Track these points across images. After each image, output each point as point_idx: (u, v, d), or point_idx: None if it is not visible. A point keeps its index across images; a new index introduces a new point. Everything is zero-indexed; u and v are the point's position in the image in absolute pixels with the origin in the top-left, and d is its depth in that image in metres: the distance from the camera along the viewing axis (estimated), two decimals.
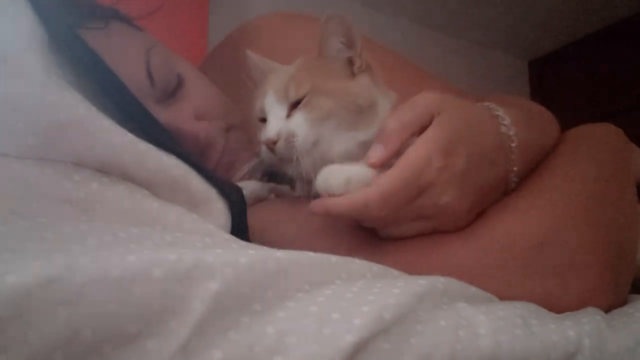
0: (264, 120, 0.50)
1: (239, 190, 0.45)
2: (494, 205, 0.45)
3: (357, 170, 0.42)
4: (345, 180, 0.41)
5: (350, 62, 0.50)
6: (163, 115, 0.55)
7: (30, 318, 0.22)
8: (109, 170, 0.37)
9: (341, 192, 0.40)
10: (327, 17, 0.48)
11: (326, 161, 0.45)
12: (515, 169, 0.45)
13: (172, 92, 0.57)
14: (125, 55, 0.53)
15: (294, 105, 0.48)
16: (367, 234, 0.45)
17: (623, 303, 0.43)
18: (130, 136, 0.37)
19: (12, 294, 0.22)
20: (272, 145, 0.47)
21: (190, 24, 1.79)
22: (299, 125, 0.47)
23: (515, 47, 2.74)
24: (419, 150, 0.40)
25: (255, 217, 0.48)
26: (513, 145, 0.44)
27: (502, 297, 0.39)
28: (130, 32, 0.58)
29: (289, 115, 0.48)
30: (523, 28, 2.55)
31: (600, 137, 0.53)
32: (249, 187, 0.55)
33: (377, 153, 0.41)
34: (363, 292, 0.32)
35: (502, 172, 0.44)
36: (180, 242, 0.32)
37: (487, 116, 0.45)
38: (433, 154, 0.39)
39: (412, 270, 0.40)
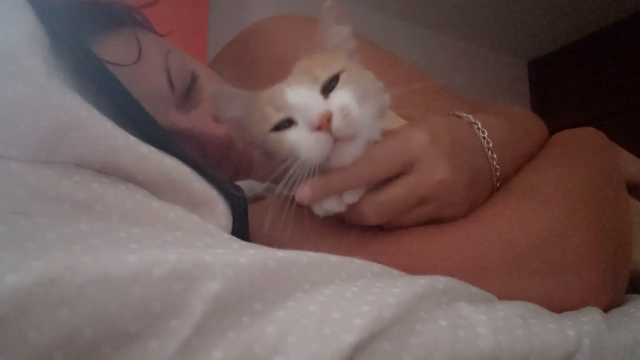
0: (283, 125, 0.42)
1: (240, 191, 0.45)
2: (494, 205, 0.45)
3: None
4: None
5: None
6: (184, 121, 0.55)
7: (30, 318, 0.22)
8: (111, 172, 0.37)
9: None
10: (326, 8, 0.45)
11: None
12: (494, 155, 0.45)
13: (187, 91, 0.56)
14: (145, 63, 0.53)
15: (326, 90, 0.42)
16: (368, 233, 0.45)
17: (621, 300, 0.44)
18: (132, 139, 0.37)
19: (13, 294, 0.22)
20: (326, 122, 0.39)
21: (190, 23, 1.80)
22: (348, 99, 0.41)
23: (515, 47, 2.74)
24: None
25: (254, 217, 0.47)
26: (485, 135, 0.46)
27: (504, 296, 0.40)
28: (146, 37, 0.56)
29: (325, 98, 0.41)
30: (523, 28, 2.56)
31: (585, 139, 0.54)
32: (247, 186, 0.55)
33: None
34: (363, 292, 0.32)
35: (484, 157, 0.45)
36: (180, 242, 0.32)
37: (459, 122, 0.47)
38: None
39: (413, 269, 0.40)
